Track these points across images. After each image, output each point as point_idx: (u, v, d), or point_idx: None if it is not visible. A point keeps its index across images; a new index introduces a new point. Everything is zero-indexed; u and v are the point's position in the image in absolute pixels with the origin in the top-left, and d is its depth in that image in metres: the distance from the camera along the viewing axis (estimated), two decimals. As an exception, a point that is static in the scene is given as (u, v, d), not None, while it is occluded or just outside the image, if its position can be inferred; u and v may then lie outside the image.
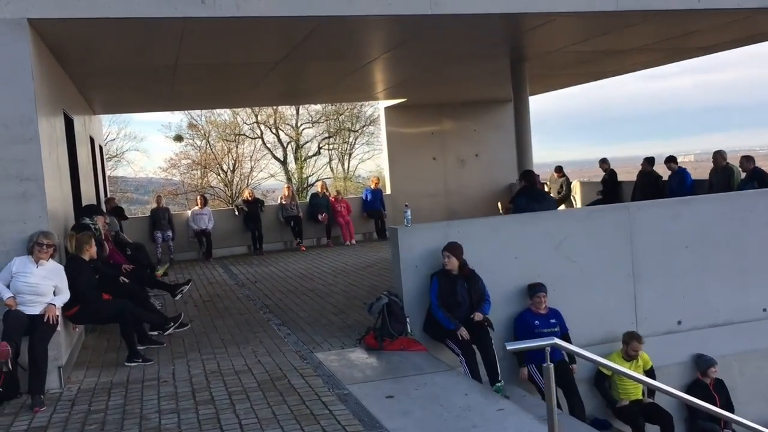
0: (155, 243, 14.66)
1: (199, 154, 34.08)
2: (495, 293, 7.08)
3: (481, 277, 6.95)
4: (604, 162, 13.63)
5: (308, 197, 16.45)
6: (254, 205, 15.65)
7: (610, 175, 13.50)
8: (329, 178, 37.28)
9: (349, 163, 38.90)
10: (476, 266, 6.97)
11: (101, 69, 9.37)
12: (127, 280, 7.84)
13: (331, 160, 38.76)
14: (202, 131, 33.93)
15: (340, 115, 37.09)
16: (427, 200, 17.21)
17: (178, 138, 33.16)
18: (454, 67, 11.54)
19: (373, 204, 16.44)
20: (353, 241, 15.83)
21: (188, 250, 15.24)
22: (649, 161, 12.88)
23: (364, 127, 37.61)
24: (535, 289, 7.25)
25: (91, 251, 6.97)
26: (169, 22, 6.78)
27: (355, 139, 38.17)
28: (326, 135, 37.69)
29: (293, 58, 9.49)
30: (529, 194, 8.26)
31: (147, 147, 56.06)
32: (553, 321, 7.19)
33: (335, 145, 38.67)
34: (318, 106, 36.82)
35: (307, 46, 8.65)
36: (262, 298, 9.87)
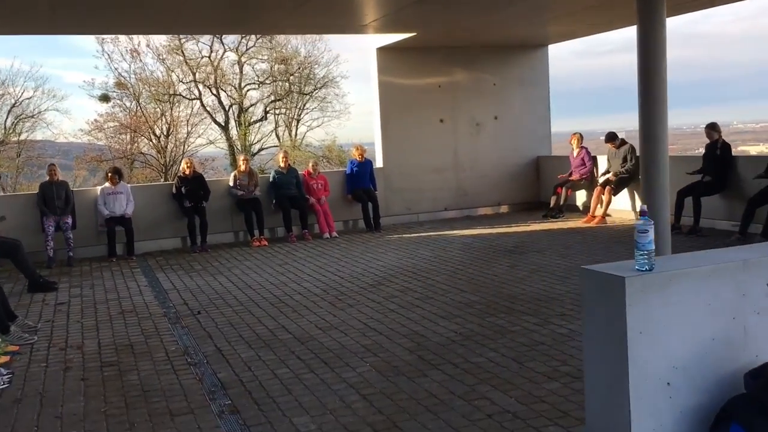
0: (45, 235, 9.80)
1: (128, 116, 28.84)
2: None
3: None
4: (713, 128, 9.47)
5: (270, 174, 11.72)
6: (195, 182, 10.93)
7: (722, 149, 9.34)
8: (275, 146, 33.02)
9: (297, 130, 34.51)
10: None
11: None
12: None
13: (277, 126, 34.20)
14: (132, 90, 28.68)
15: (290, 75, 32.67)
16: (431, 177, 12.76)
17: (105, 98, 28.19)
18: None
19: (360, 181, 11.90)
20: (334, 233, 11.30)
21: (96, 244, 10.42)
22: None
23: (315, 90, 33.31)
24: None
25: None
26: None
27: (304, 104, 33.88)
28: (273, 98, 33.20)
29: None
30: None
31: (69, 107, 49.08)
32: None
33: (283, 110, 34.22)
34: (264, 65, 32.00)
35: None
36: (216, 361, 5.28)
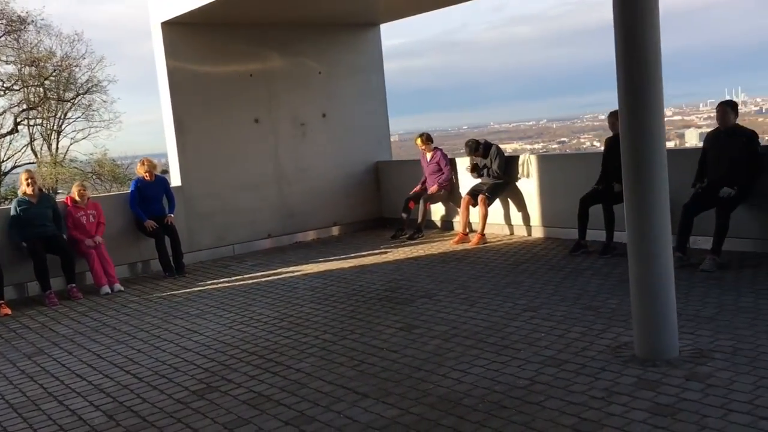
0: None
1: None
2: None
3: None
4: (617, 117, 7.47)
5: (12, 206, 7.90)
6: None
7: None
8: (32, 163, 27.77)
9: (58, 143, 29.40)
10: None
11: None
12: None
13: (33, 139, 28.82)
14: None
15: (45, 79, 27.55)
16: (247, 196, 9.67)
17: None
18: None
19: (151, 206, 8.50)
20: (116, 285, 7.83)
21: None
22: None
23: (77, 97, 28.52)
24: None
25: None
26: None
27: (65, 113, 28.94)
28: (26, 106, 27.87)
29: None
30: None
31: None
32: None
33: (39, 120, 28.91)
34: (11, 67, 26.59)
35: None
36: None
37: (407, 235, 9.39)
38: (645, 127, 4.14)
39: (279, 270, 8.17)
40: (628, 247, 4.36)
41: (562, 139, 50.43)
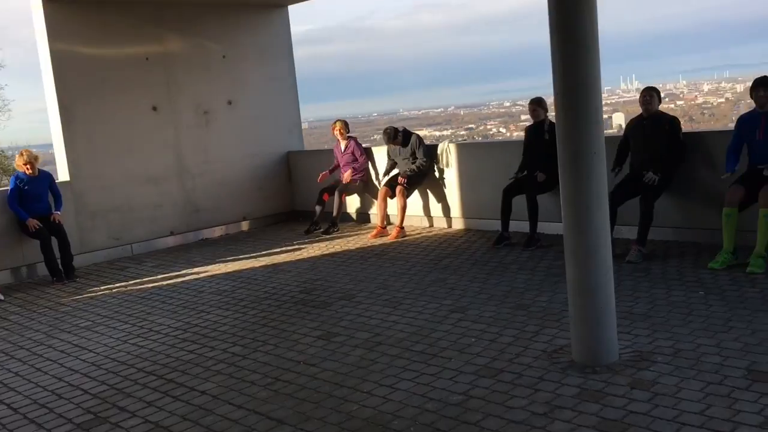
0: None
1: None
2: None
3: None
4: (539, 104, 7.16)
5: None
6: None
7: (550, 131, 7.09)
8: None
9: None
10: None
11: None
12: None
13: None
14: None
15: None
16: (146, 190, 8.92)
17: None
18: None
19: (34, 204, 7.63)
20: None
21: None
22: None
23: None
24: None
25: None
26: None
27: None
28: None
29: None
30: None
31: None
32: None
33: None
34: None
35: None
36: None
37: (322, 230, 8.88)
38: (582, 116, 3.80)
39: (183, 272, 7.50)
40: (564, 244, 4.02)
41: (470, 125, 51.21)
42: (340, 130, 9.00)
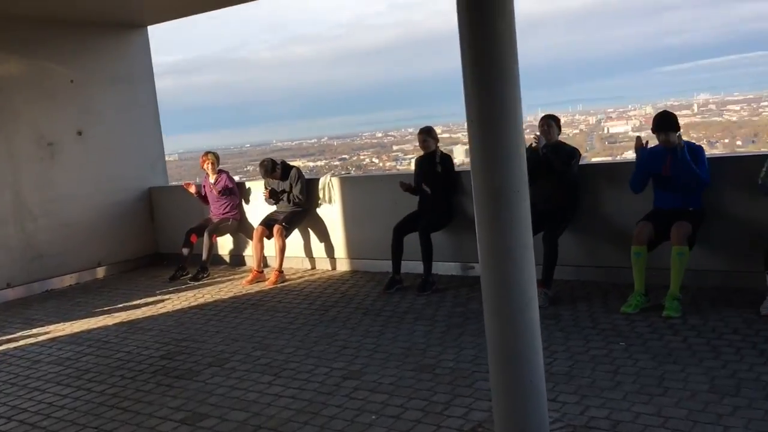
0: None
1: None
2: None
3: None
4: (428, 134, 6.54)
5: None
6: None
7: (443, 161, 6.50)
8: None
9: None
10: None
11: None
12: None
13: None
14: None
15: None
16: (-24, 235, 7.52)
17: None
18: None
19: None
20: None
21: None
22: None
23: None
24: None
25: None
26: None
27: None
28: None
29: None
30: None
31: None
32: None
33: None
34: None
35: None
36: None
37: (190, 276, 7.85)
38: (503, 151, 3.16)
39: (17, 334, 6.24)
40: (483, 302, 3.36)
41: (344, 156, 51.27)
42: (211, 163, 8.04)
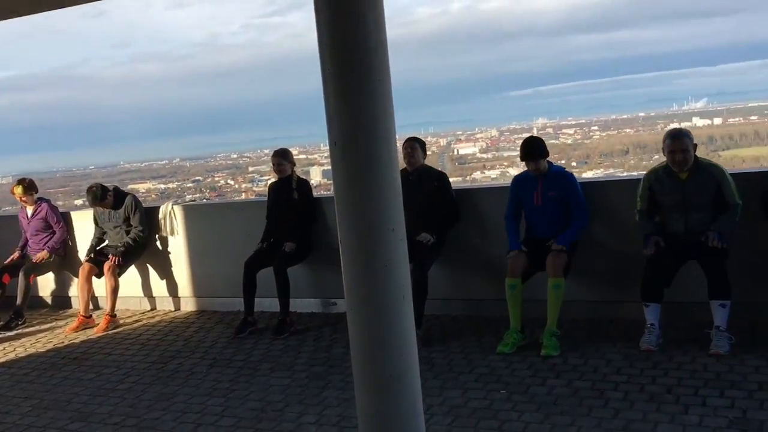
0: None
1: None
2: None
3: None
4: (284, 156, 5.85)
5: None
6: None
7: (299, 188, 5.86)
8: None
9: None
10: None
11: None
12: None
13: None
14: None
15: None
16: None
17: None
18: None
19: None
20: None
21: None
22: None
23: None
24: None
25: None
26: None
27: None
28: None
29: None
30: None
31: None
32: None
33: None
34: None
35: None
36: None
37: (1, 323, 6.64)
38: (376, 179, 2.57)
39: None
40: (352, 363, 2.73)
41: (197, 177, 49.43)
42: (23, 191, 6.88)
